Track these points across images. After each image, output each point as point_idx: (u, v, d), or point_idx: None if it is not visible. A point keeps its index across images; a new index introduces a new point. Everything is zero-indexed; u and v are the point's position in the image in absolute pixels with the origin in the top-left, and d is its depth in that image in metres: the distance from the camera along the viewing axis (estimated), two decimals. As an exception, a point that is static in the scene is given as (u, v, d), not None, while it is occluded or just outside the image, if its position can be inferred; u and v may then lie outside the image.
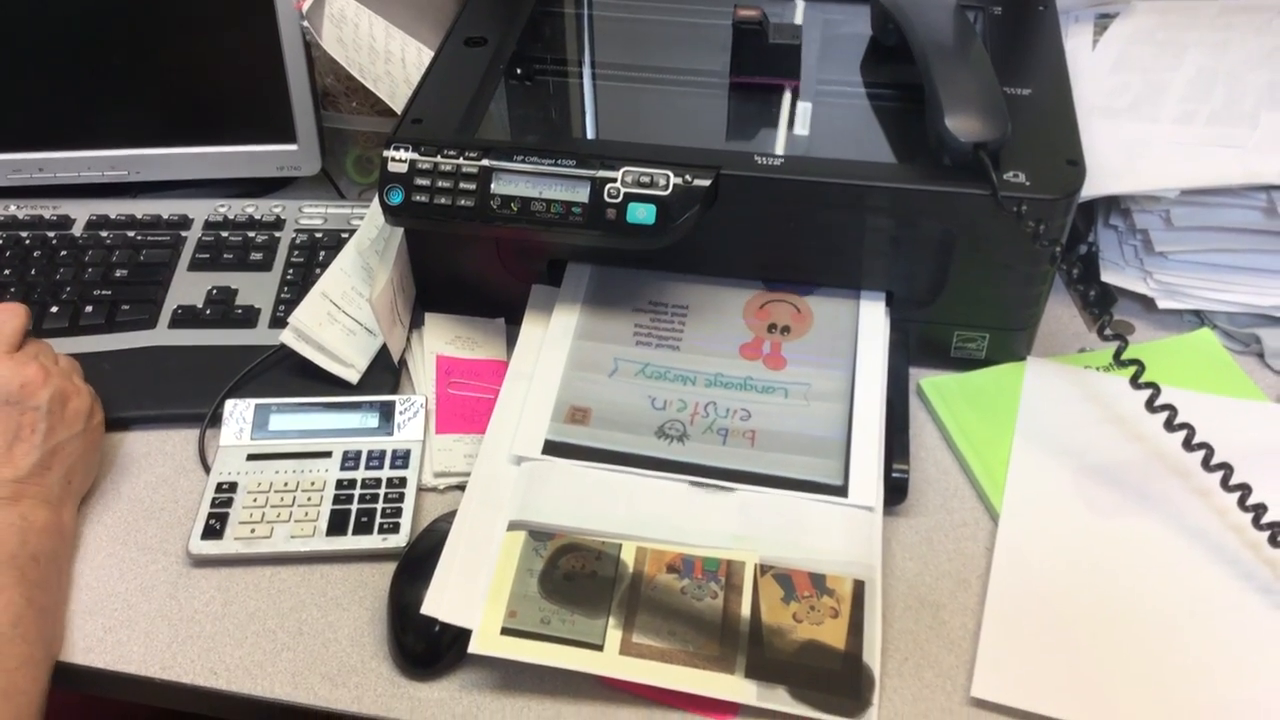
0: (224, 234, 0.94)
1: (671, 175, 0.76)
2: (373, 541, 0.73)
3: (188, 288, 0.90)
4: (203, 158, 0.97)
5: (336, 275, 0.85)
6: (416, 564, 0.70)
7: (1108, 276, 0.89)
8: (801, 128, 0.84)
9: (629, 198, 0.76)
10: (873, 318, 0.81)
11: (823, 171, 0.76)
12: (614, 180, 0.76)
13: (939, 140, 0.75)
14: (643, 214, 0.76)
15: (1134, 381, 0.72)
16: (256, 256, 0.92)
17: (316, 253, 0.92)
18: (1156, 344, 0.85)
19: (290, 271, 0.91)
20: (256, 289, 0.90)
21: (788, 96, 0.87)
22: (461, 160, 0.77)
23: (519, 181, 0.77)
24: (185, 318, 0.87)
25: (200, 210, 0.96)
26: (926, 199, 0.75)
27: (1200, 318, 0.87)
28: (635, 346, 0.81)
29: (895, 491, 0.73)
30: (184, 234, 0.94)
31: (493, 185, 0.77)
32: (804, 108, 0.86)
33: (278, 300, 0.88)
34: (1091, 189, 0.83)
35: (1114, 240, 0.90)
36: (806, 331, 0.80)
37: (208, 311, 0.87)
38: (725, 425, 0.76)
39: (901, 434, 0.76)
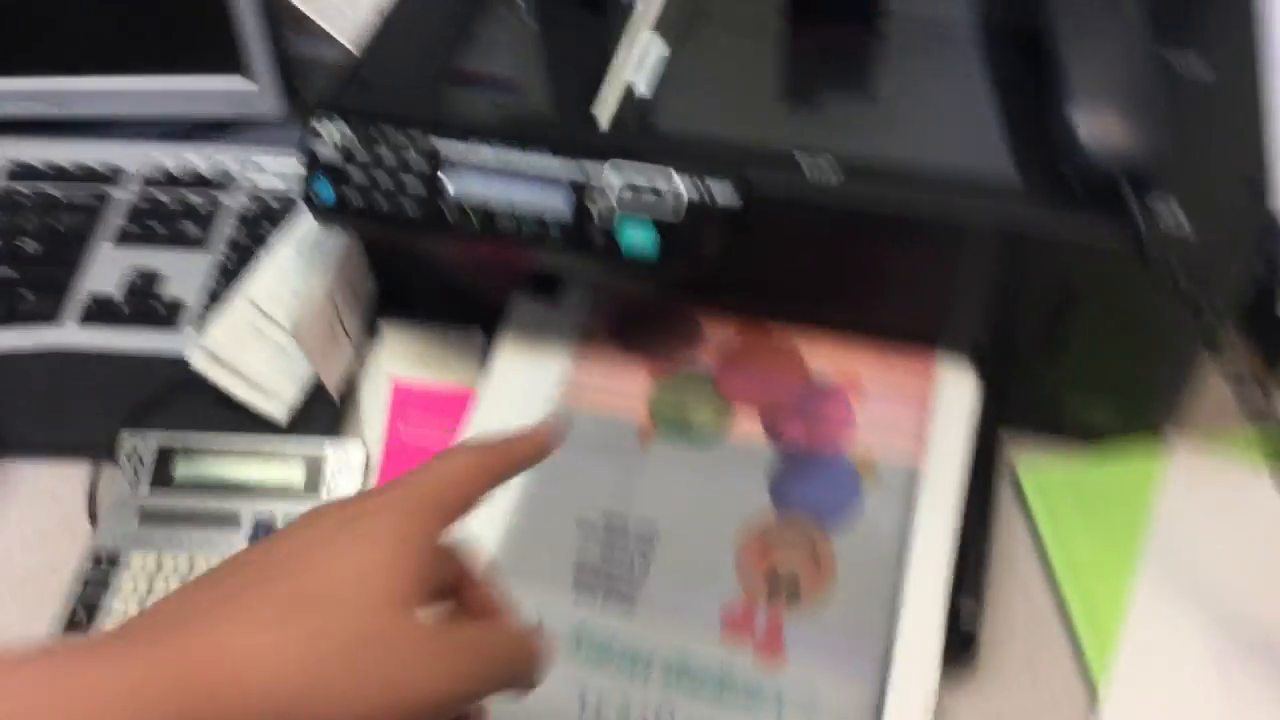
0: (159, 195, 0.76)
1: (683, 186, 0.55)
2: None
3: (106, 268, 0.73)
4: (141, 93, 0.79)
5: (270, 273, 0.67)
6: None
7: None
8: (875, 109, 0.61)
9: (624, 214, 0.55)
10: (954, 383, 0.60)
11: (893, 193, 0.54)
12: (603, 188, 0.56)
13: (1063, 149, 0.52)
14: (641, 240, 0.55)
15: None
16: (192, 229, 0.74)
17: (264, 227, 0.74)
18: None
19: (228, 252, 0.73)
20: (186, 274, 0.72)
21: (861, 55, 0.64)
22: (409, 146, 0.58)
23: (479, 181, 0.57)
24: (97, 311, 0.70)
25: (137, 160, 0.78)
26: (1036, 245, 0.53)
27: None
28: (572, 592, 0.55)
29: (959, 646, 0.54)
30: (113, 192, 0.77)
31: (447, 185, 0.57)
32: (883, 75, 0.63)
33: (208, 292, 0.71)
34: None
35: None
36: (823, 593, 0.54)
37: (124, 305, 0.71)
38: None
39: (977, 557, 0.56)
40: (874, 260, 0.57)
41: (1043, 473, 0.61)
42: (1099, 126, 0.52)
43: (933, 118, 0.60)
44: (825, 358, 0.62)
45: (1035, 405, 0.61)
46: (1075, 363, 0.58)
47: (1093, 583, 0.56)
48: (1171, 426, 0.61)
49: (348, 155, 0.59)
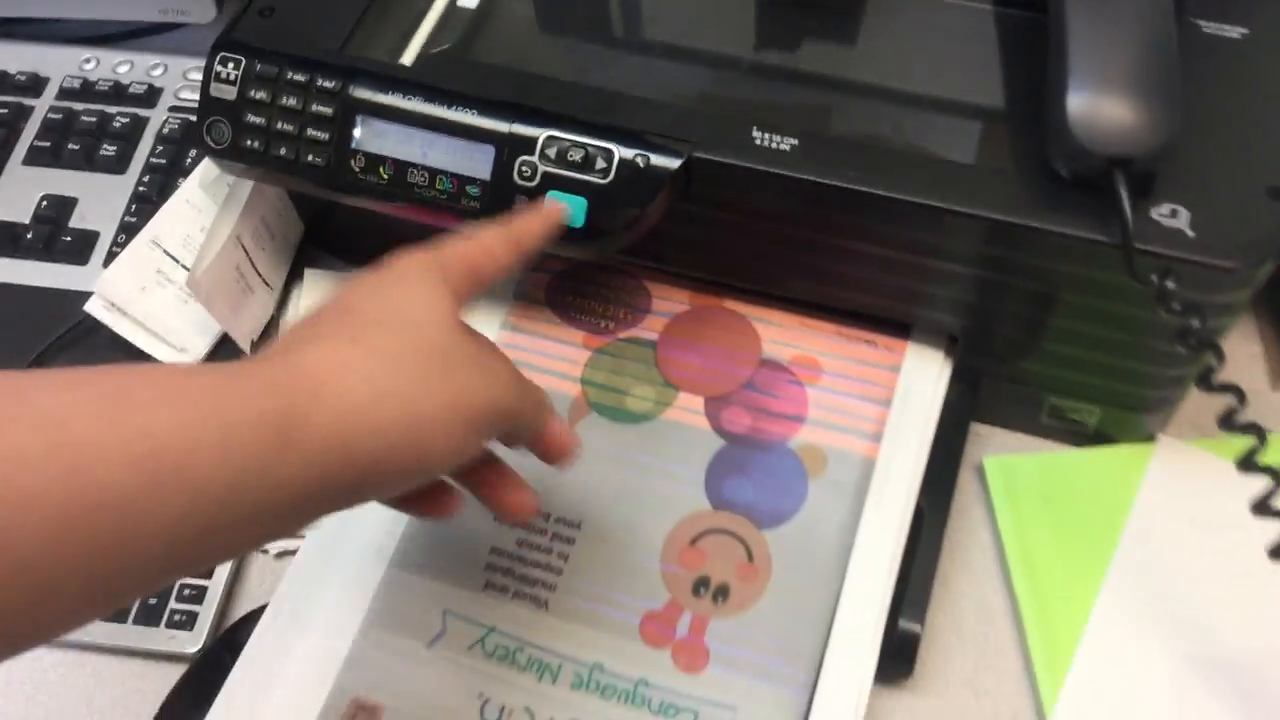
0: (78, 110, 0.70)
1: (617, 151, 0.49)
2: (157, 638, 0.53)
3: (17, 191, 0.67)
4: (64, -9, 0.72)
5: (177, 211, 0.61)
6: (203, 684, 0.50)
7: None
8: (847, 71, 0.54)
9: (549, 180, 0.49)
10: (921, 372, 0.54)
11: (851, 169, 0.47)
12: (530, 152, 0.49)
13: (1053, 131, 0.46)
14: (567, 205, 0.49)
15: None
16: (109, 150, 0.68)
17: (187, 151, 0.68)
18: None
19: (147, 178, 0.67)
20: (101, 201, 0.66)
21: (836, 10, 0.56)
22: (316, 90, 0.51)
23: (392, 135, 0.51)
24: (2, 241, 0.65)
25: (60, 66, 0.72)
26: (1013, 232, 0.46)
27: None
28: (482, 592, 0.50)
29: (897, 657, 0.49)
30: (31, 105, 0.70)
31: (355, 137, 0.51)
32: (859, 34, 0.55)
33: (122, 224, 0.65)
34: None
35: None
36: (755, 599, 0.49)
37: (30, 235, 0.65)
38: None
39: (927, 562, 0.51)
40: (832, 237, 0.50)
41: (1012, 471, 0.55)
42: (1093, 116, 0.44)
43: (911, 81, 0.52)
44: (781, 335, 0.56)
45: (1013, 402, 0.56)
46: (1057, 361, 0.52)
47: (1052, 596, 0.51)
48: (1161, 432, 0.55)
49: (247, 96, 0.52)
